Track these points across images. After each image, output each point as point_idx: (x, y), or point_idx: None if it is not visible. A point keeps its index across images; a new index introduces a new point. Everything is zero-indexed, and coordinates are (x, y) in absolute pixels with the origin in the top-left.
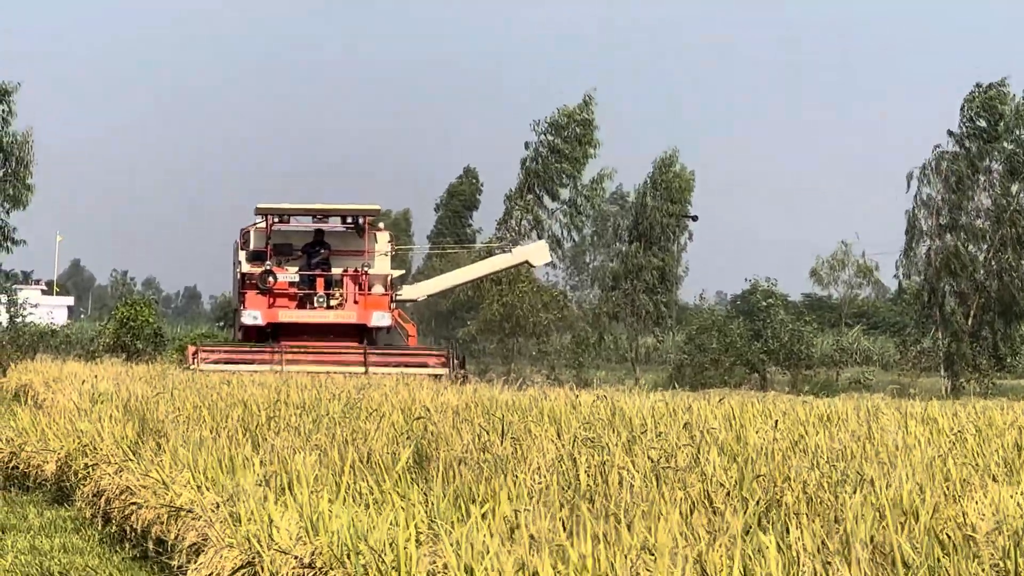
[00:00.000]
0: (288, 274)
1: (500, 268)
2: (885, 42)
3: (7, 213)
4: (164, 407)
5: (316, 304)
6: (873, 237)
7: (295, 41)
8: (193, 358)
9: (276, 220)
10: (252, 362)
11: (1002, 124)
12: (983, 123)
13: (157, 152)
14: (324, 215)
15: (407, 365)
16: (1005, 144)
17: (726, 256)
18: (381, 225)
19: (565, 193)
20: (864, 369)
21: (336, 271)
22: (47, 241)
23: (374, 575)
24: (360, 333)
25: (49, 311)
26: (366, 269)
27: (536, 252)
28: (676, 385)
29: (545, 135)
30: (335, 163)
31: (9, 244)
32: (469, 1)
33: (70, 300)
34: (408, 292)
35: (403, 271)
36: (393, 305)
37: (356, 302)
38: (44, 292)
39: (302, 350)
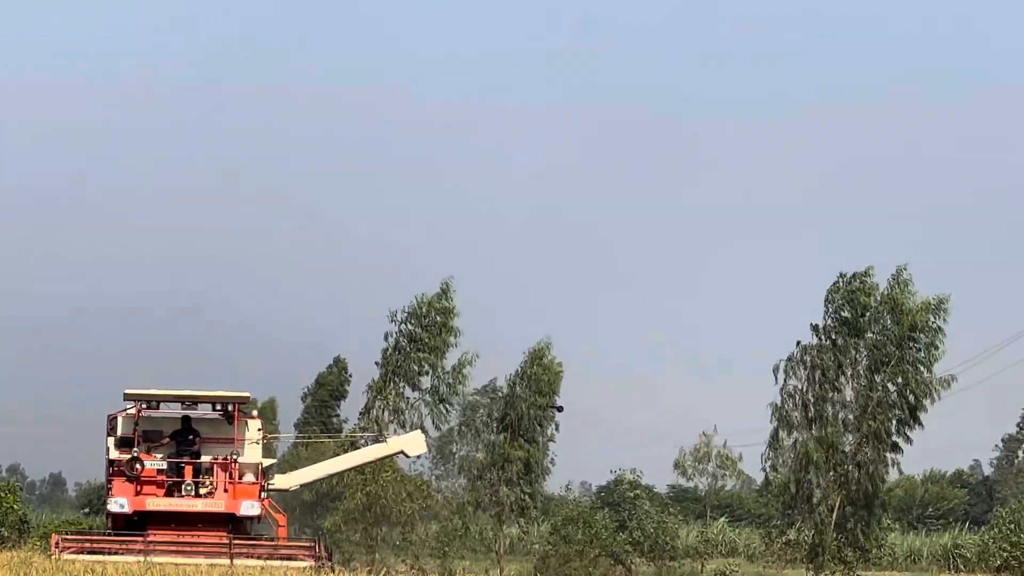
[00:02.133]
0: (156, 461)
1: (375, 457)
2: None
3: None
4: None
5: (184, 492)
6: (733, 426)
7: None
8: (55, 548)
9: (144, 406)
10: (115, 552)
11: (867, 315)
12: (847, 315)
13: (17, 337)
14: (193, 401)
15: (275, 557)
16: (869, 335)
17: (591, 446)
18: (255, 412)
19: (426, 382)
20: (729, 561)
21: (205, 459)
22: None
23: None
24: (229, 523)
25: None
26: (235, 457)
27: (411, 442)
28: None
29: (405, 324)
30: (197, 345)
31: None
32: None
33: None
34: (280, 481)
35: (274, 460)
36: (264, 494)
37: (226, 491)
38: None
39: (168, 540)
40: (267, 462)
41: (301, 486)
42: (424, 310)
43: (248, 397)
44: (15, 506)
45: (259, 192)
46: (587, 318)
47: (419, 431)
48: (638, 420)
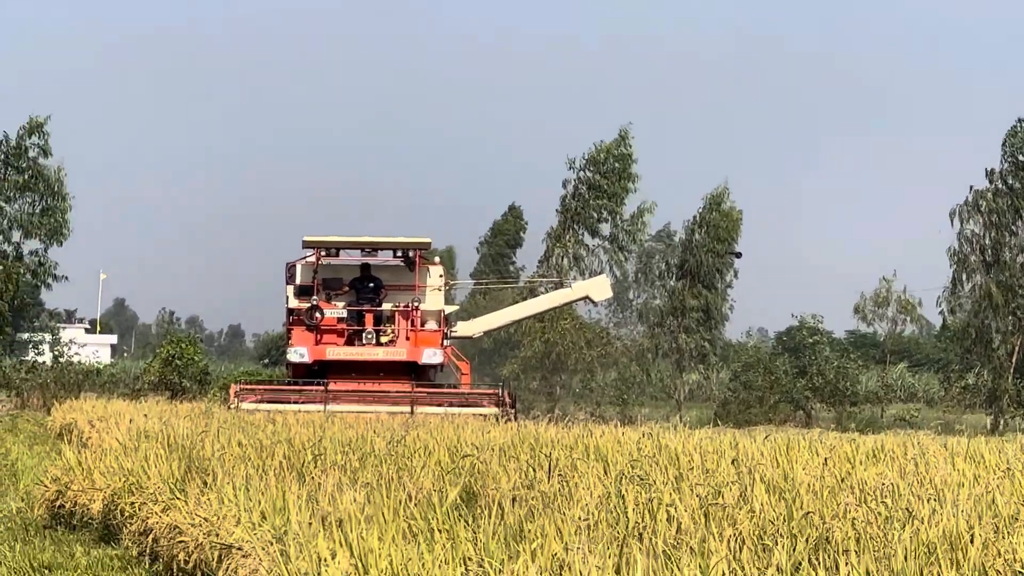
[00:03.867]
0: (336, 309)
1: (560, 303)
2: (929, 76)
3: (46, 249)
4: (209, 445)
5: (365, 341)
6: (916, 273)
7: (335, 78)
8: (235, 397)
9: (324, 254)
10: (294, 402)
11: None
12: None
13: (201, 189)
14: (374, 248)
15: (458, 405)
16: None
17: (770, 293)
18: (437, 259)
19: (606, 229)
20: (909, 406)
21: (386, 307)
22: (91, 280)
23: None
24: (411, 371)
25: (93, 350)
26: (417, 304)
27: (596, 287)
28: (721, 422)
29: (584, 171)
30: (376, 199)
31: (50, 280)
32: (509, 32)
33: (114, 339)
34: (463, 329)
35: (456, 307)
36: (446, 342)
37: (407, 339)
38: (88, 331)
39: (348, 390)
40: (449, 309)
41: (484, 333)
42: (603, 156)
43: (429, 243)
44: (195, 358)
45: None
46: (768, 165)
47: (604, 275)
48: (818, 266)
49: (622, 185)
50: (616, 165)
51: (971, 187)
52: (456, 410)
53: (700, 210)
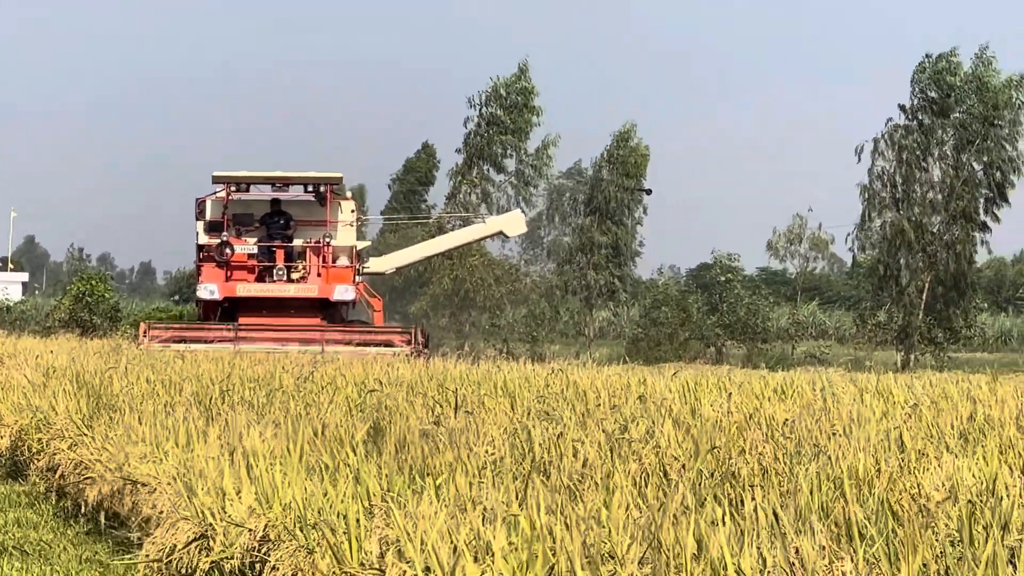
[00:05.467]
0: (246, 246)
1: (474, 238)
2: (837, 14)
3: None
4: (118, 382)
5: (276, 277)
6: (828, 210)
7: (252, 10)
8: (143, 336)
9: (234, 189)
10: (205, 340)
11: (952, 96)
12: (934, 95)
13: (111, 126)
14: (284, 183)
15: (370, 344)
16: (956, 115)
17: (678, 230)
18: (349, 194)
19: (511, 164)
20: (819, 343)
21: (297, 243)
22: (1, 217)
23: (325, 547)
24: (323, 308)
25: (3, 287)
26: (329, 240)
27: (511, 222)
28: (630, 360)
29: (485, 107)
30: (287, 135)
31: None
32: None
33: (24, 276)
34: (376, 264)
35: (368, 243)
36: (358, 279)
37: (319, 275)
38: None
39: (257, 327)
40: (361, 245)
41: (396, 270)
42: (503, 92)
43: (340, 178)
44: (106, 295)
45: None
46: (682, 103)
47: (518, 211)
48: (728, 204)
49: (525, 119)
50: (518, 99)
51: (888, 120)
52: (369, 349)
53: (608, 147)
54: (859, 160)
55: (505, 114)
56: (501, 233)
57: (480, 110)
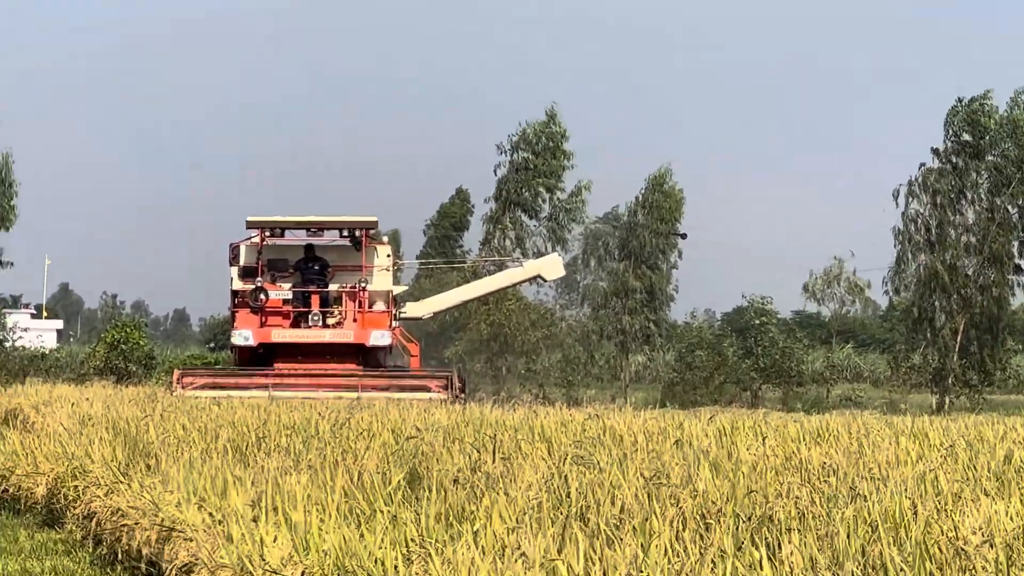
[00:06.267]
0: (281, 291)
1: (512, 282)
2: (875, 64)
3: None
4: (154, 429)
5: (311, 323)
6: (862, 254)
7: (279, 63)
8: (177, 383)
9: (268, 234)
10: (239, 387)
11: (987, 138)
12: (967, 137)
13: (144, 173)
14: (319, 228)
15: (407, 389)
16: (990, 158)
17: (713, 274)
18: (384, 239)
19: (546, 209)
20: (854, 386)
21: (332, 288)
22: (36, 265)
23: None
24: (359, 353)
25: (38, 335)
26: (364, 285)
27: (549, 266)
28: (667, 404)
29: (516, 152)
30: (322, 182)
31: None
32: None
33: (59, 323)
34: (413, 309)
35: (405, 287)
36: (395, 323)
37: (355, 320)
38: (33, 316)
39: (293, 373)
40: (397, 290)
41: (434, 314)
42: (533, 137)
43: (376, 221)
44: (141, 342)
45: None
46: (711, 143)
47: (556, 254)
48: (763, 247)
49: (558, 163)
50: (549, 144)
51: (921, 164)
52: (405, 395)
53: (642, 191)
54: (896, 204)
55: (536, 159)
56: (539, 277)
57: (511, 156)
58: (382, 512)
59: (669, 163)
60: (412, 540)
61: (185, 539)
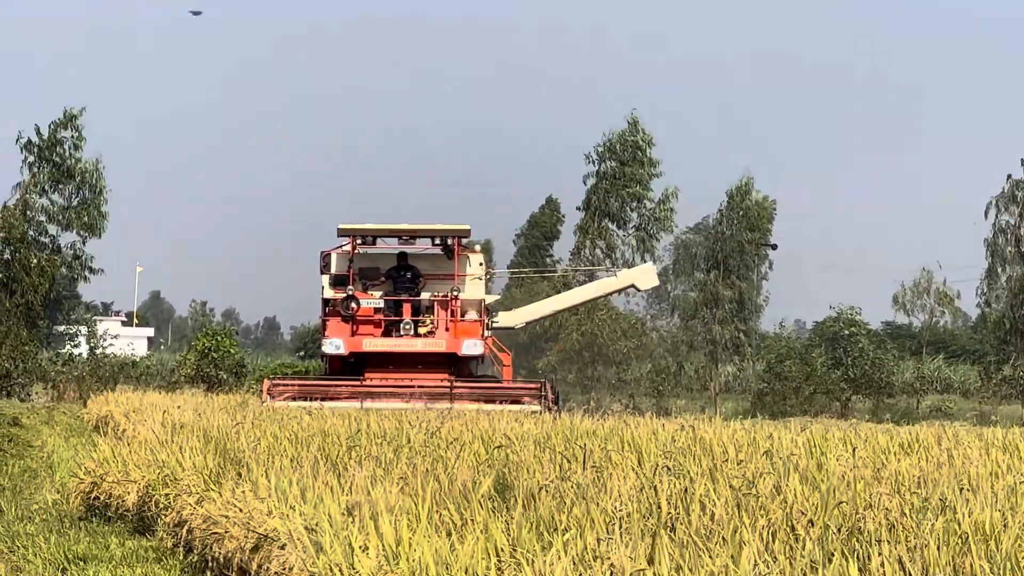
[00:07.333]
0: (373, 299)
1: (606, 292)
2: (965, 74)
3: (83, 242)
4: (244, 437)
5: (403, 332)
6: (950, 265)
7: (372, 73)
8: (267, 394)
9: (360, 242)
10: (329, 397)
11: None
12: None
13: (235, 180)
14: (411, 236)
15: (499, 399)
16: None
17: (801, 284)
18: (477, 247)
19: (634, 218)
20: (945, 397)
21: (424, 296)
22: (127, 273)
23: None
24: (451, 363)
25: (129, 342)
26: (457, 293)
27: (643, 275)
28: (757, 414)
29: (604, 162)
30: (412, 191)
31: (87, 273)
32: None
33: (150, 331)
34: (505, 319)
35: (497, 296)
36: (487, 333)
37: (447, 329)
38: (124, 323)
39: (383, 382)
40: (490, 299)
41: (527, 324)
42: (618, 146)
43: (469, 230)
44: (232, 350)
45: None
46: (803, 153)
47: (650, 263)
48: (852, 258)
49: (645, 171)
50: (635, 152)
51: (1008, 176)
52: (496, 407)
53: (725, 201)
54: (986, 217)
55: (621, 168)
56: (633, 286)
57: (598, 166)
58: (473, 521)
59: (749, 172)
60: (502, 549)
61: (277, 547)
